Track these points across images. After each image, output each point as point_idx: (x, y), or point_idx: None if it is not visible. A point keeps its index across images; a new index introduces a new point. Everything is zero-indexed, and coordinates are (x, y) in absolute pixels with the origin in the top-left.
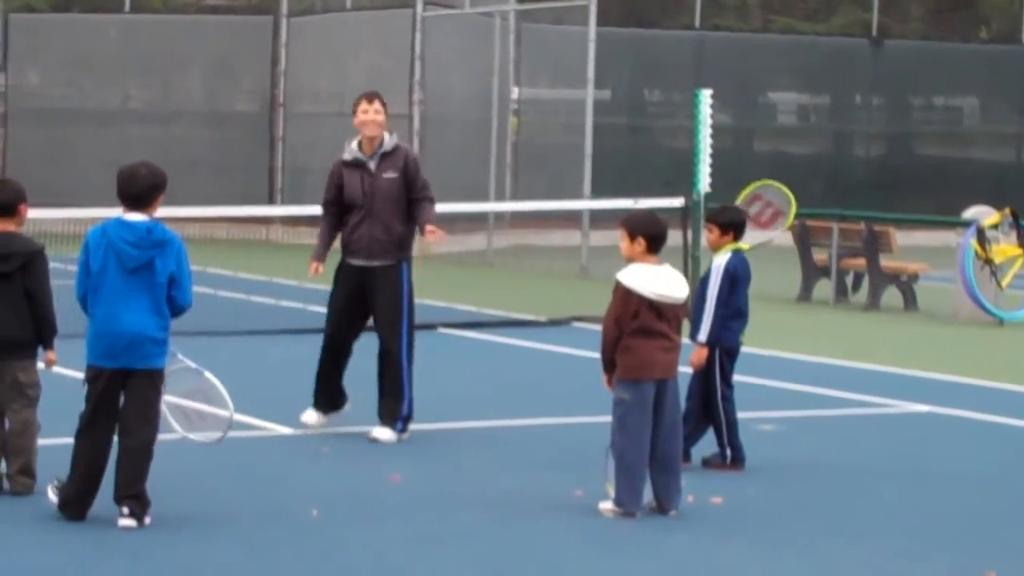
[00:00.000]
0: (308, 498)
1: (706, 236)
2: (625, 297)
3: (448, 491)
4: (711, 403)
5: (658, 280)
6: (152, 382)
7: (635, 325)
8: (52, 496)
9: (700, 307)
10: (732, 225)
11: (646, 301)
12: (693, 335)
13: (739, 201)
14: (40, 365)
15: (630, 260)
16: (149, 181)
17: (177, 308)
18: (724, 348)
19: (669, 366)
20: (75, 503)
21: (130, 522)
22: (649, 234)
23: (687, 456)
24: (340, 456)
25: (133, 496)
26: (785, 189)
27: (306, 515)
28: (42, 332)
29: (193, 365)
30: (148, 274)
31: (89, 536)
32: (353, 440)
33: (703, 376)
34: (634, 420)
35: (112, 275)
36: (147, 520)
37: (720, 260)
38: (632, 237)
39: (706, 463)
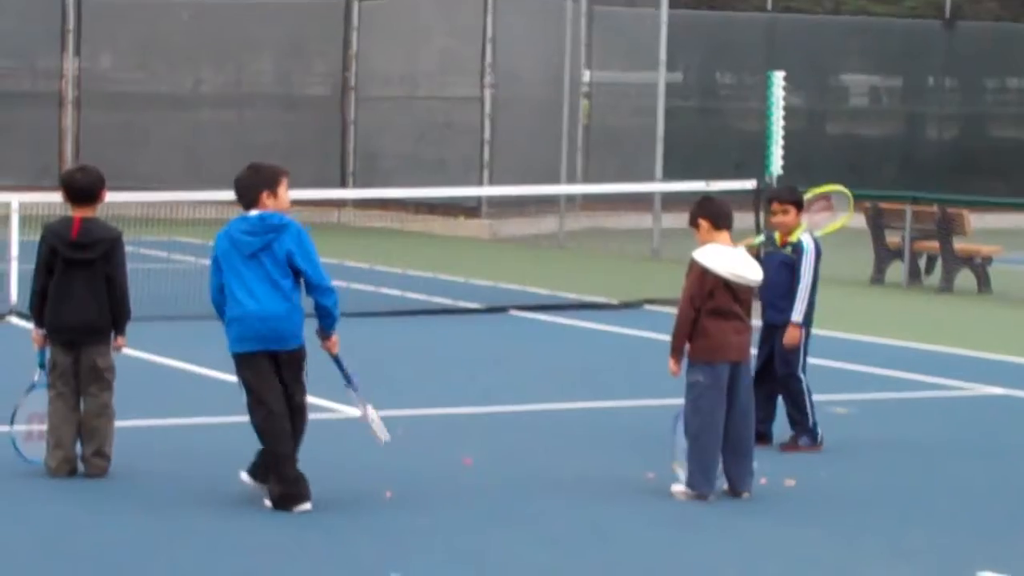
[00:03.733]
0: (382, 480)
1: (780, 219)
2: (701, 276)
3: (521, 474)
4: (791, 385)
5: (734, 260)
6: (294, 360)
7: (710, 306)
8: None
9: (781, 291)
10: (801, 204)
11: (721, 280)
12: (773, 317)
13: (810, 194)
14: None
15: (703, 244)
16: (244, 183)
17: (312, 285)
18: (806, 328)
19: (743, 348)
20: (292, 487)
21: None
22: (706, 213)
23: (767, 436)
24: (414, 439)
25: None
26: (851, 199)
27: (380, 497)
28: (118, 317)
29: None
30: (267, 257)
31: (163, 518)
32: (427, 422)
33: (783, 358)
34: (708, 402)
35: (236, 266)
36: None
37: (808, 241)
38: (694, 223)
39: (784, 446)
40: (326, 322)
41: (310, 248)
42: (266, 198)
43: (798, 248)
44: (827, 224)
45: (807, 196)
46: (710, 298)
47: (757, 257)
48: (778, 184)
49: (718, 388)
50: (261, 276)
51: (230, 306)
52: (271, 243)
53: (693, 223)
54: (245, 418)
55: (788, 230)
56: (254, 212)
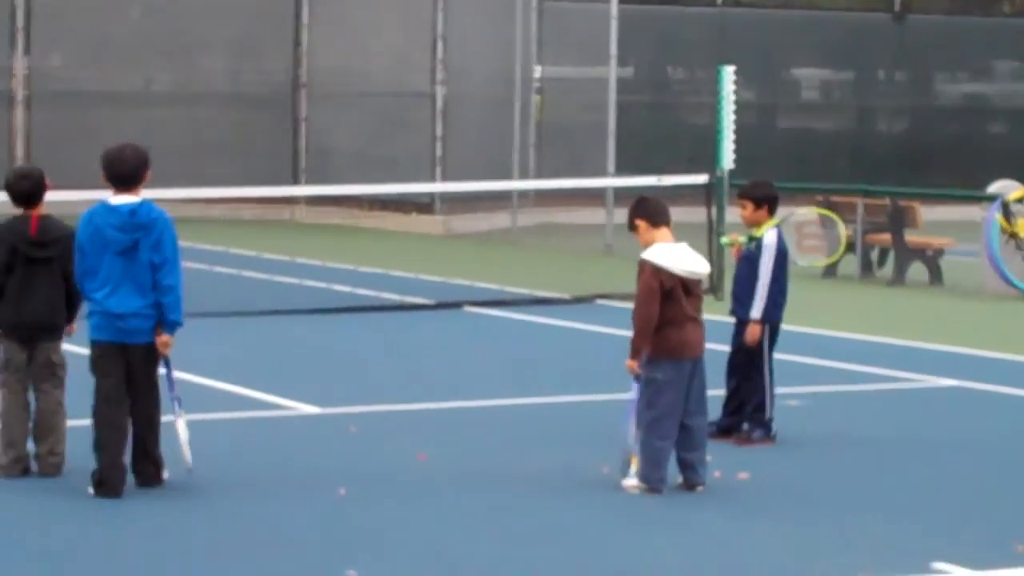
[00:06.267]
0: (336, 477)
1: (740, 213)
2: (654, 275)
3: (475, 469)
4: (758, 379)
5: (683, 256)
6: (147, 356)
7: (669, 304)
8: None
9: (745, 284)
10: (766, 199)
11: (677, 279)
12: (739, 312)
13: (805, 211)
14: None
15: (647, 244)
16: (136, 161)
17: (162, 288)
18: (772, 324)
19: (702, 345)
20: (106, 480)
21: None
22: (642, 214)
23: (737, 429)
24: (367, 435)
25: (147, 458)
26: (845, 240)
27: (334, 494)
28: (72, 311)
29: None
30: (132, 254)
31: (114, 516)
32: (380, 419)
33: (748, 353)
34: (666, 400)
35: (100, 258)
36: (165, 475)
37: (770, 238)
38: (632, 227)
39: (738, 439)
40: (164, 320)
41: (168, 244)
42: (141, 185)
43: (759, 244)
44: (812, 258)
45: (804, 212)
46: (667, 298)
47: (744, 254)
48: (728, 178)
49: (679, 385)
50: (122, 273)
51: (90, 297)
52: (139, 241)
53: (631, 227)
54: (195, 416)
55: (749, 224)
56: (122, 201)
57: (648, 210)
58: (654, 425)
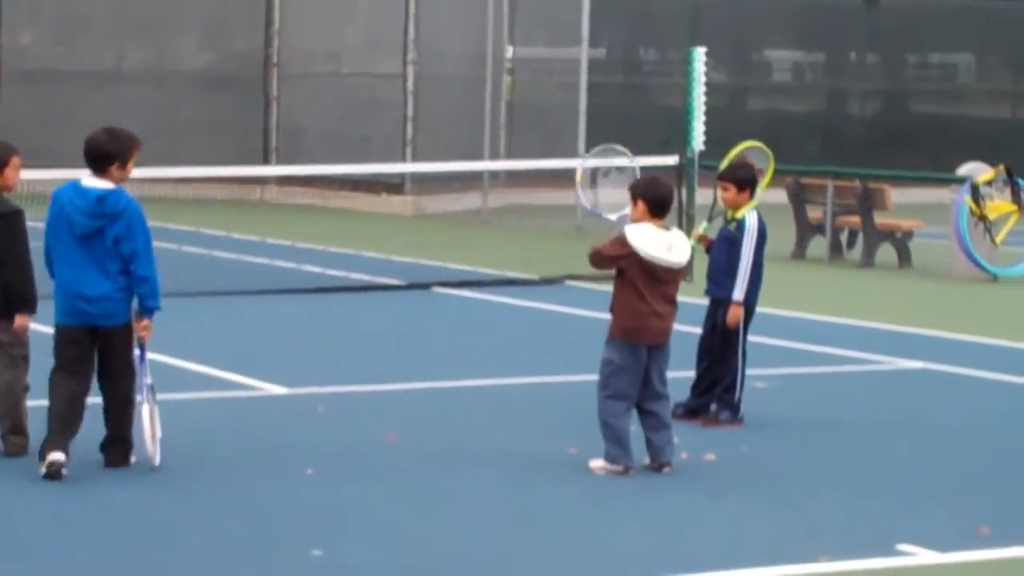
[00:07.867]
0: (303, 457)
1: (721, 195)
2: (622, 246)
3: (443, 450)
4: (730, 360)
5: (660, 244)
6: (120, 337)
7: (629, 285)
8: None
9: (723, 265)
10: (749, 182)
11: (641, 262)
12: (716, 292)
13: (726, 162)
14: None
15: (636, 223)
16: (106, 148)
17: (136, 278)
18: (748, 306)
19: (662, 333)
20: (46, 451)
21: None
22: (646, 196)
23: (705, 410)
24: (335, 416)
25: (118, 440)
26: (765, 147)
27: (301, 474)
28: (13, 295)
29: None
30: (97, 240)
31: (80, 495)
32: (348, 399)
33: (724, 334)
34: (619, 381)
35: (65, 241)
36: (133, 459)
37: (752, 220)
38: (634, 200)
39: (705, 420)
40: (142, 306)
41: (138, 234)
42: (115, 170)
43: (740, 226)
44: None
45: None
46: (629, 280)
47: (709, 242)
48: (699, 159)
49: (634, 369)
50: (88, 259)
51: (57, 278)
52: (103, 227)
53: (633, 198)
54: (171, 396)
55: (730, 206)
56: (92, 185)
57: (652, 196)
58: (607, 404)
